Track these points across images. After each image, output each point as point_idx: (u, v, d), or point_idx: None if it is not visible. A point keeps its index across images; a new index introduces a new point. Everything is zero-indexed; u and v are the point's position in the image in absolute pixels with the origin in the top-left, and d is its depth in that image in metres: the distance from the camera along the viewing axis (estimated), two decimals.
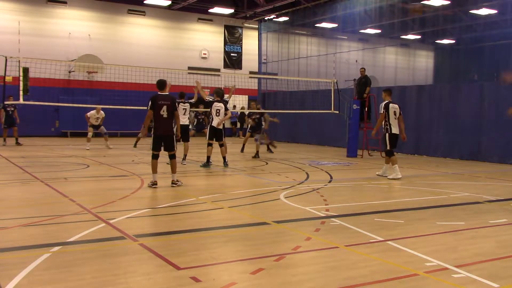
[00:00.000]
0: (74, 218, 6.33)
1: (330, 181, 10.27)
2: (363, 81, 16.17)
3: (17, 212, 6.82)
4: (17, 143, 17.93)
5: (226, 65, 29.77)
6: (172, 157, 9.10)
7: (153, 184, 8.86)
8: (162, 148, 9.09)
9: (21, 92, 13.30)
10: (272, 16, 27.49)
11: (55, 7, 25.07)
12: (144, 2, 25.85)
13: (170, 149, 9.03)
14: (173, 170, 9.07)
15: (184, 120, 12.31)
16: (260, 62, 27.33)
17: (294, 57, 26.15)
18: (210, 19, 29.18)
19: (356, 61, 28.02)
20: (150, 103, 8.83)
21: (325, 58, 25.53)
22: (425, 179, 10.94)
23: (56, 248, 4.92)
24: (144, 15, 27.32)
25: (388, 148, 10.63)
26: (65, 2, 25.23)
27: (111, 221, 6.10)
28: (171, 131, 8.97)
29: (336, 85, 17.74)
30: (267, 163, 13.62)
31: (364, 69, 16.52)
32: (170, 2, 25.91)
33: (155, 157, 9.05)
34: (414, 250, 5.06)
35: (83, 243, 5.14)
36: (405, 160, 15.60)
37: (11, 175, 10.35)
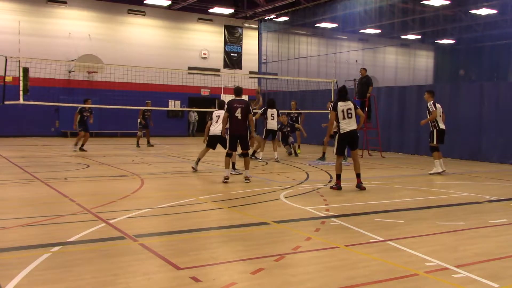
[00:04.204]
0: (74, 218, 6.33)
1: (330, 181, 10.27)
2: (364, 81, 16.16)
3: (17, 212, 6.83)
4: None
5: (226, 65, 29.78)
6: (245, 155, 9.93)
7: (225, 178, 9.60)
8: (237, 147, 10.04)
9: (21, 92, 13.30)
10: (272, 16, 27.49)
11: (55, 7, 25.09)
12: (144, 2, 25.87)
13: (245, 147, 9.92)
14: (246, 167, 9.85)
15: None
16: (260, 62, 27.32)
17: (294, 57, 26.15)
18: (210, 19, 29.19)
19: (356, 61, 28.05)
20: (226, 107, 9.83)
21: (325, 58, 25.55)
22: (425, 179, 10.94)
23: (56, 248, 4.92)
24: (144, 15, 27.34)
25: (434, 143, 11.58)
26: (65, 2, 25.24)
27: (111, 221, 6.10)
28: (245, 131, 9.76)
29: (336, 85, 17.75)
30: (267, 163, 13.62)
31: (365, 69, 16.49)
32: (170, 2, 25.92)
33: (228, 155, 9.87)
34: (414, 250, 5.06)
35: (83, 243, 5.14)
36: (405, 160, 15.61)
37: (11, 175, 10.35)
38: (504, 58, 23.92)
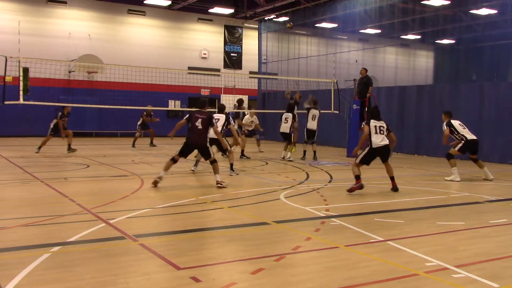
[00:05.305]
0: (74, 218, 6.33)
1: (330, 181, 10.27)
2: (364, 81, 16.15)
3: (17, 212, 6.83)
4: None
5: (226, 65, 29.76)
6: (212, 162, 9.47)
7: (158, 177, 9.04)
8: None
9: (21, 92, 13.30)
10: (272, 16, 27.48)
11: (55, 7, 25.07)
12: (144, 2, 25.85)
13: (206, 157, 9.58)
14: (215, 172, 9.37)
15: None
16: (260, 62, 27.33)
17: (294, 57, 26.15)
18: (210, 19, 29.18)
19: (356, 61, 28.04)
20: (187, 115, 9.62)
21: (325, 58, 25.56)
22: (425, 179, 10.94)
23: (56, 248, 4.92)
24: (144, 15, 27.32)
25: (455, 149, 11.06)
26: (65, 2, 25.23)
27: (111, 221, 6.10)
28: (204, 141, 9.46)
29: (336, 85, 17.75)
30: (267, 163, 13.62)
31: (366, 69, 16.49)
32: (170, 2, 25.91)
33: (173, 159, 9.40)
34: (414, 250, 5.06)
35: (83, 243, 5.14)
36: (405, 160, 15.61)
37: (11, 175, 10.35)
38: (504, 58, 23.92)
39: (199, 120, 9.42)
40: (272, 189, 8.92)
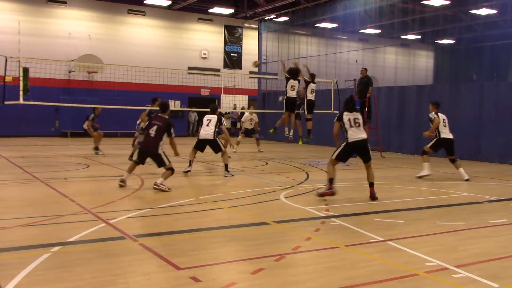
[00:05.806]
0: (74, 218, 6.33)
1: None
2: (364, 81, 16.15)
3: (17, 212, 6.82)
4: None
5: (226, 65, 29.77)
6: (167, 169, 8.83)
7: (121, 181, 8.80)
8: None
9: (21, 92, 13.30)
10: (272, 16, 27.49)
11: (55, 7, 25.09)
12: (144, 2, 25.86)
13: (159, 164, 8.93)
14: (163, 176, 8.74)
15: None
16: (260, 62, 27.31)
17: (294, 57, 26.14)
18: (210, 19, 29.19)
19: (356, 61, 28.05)
20: (149, 118, 9.17)
21: (325, 58, 25.54)
22: (425, 179, 10.93)
23: (56, 248, 4.92)
24: (144, 15, 27.33)
25: (428, 146, 11.12)
26: (65, 2, 25.24)
27: (111, 221, 6.10)
28: (155, 149, 8.83)
29: (336, 85, 17.76)
30: (267, 163, 13.62)
31: (366, 69, 16.47)
32: (170, 2, 25.92)
33: (134, 162, 9.08)
34: (414, 250, 5.06)
35: (83, 243, 5.14)
36: (405, 160, 15.61)
37: (11, 175, 10.35)
38: (504, 58, 23.94)
39: (154, 127, 8.83)
40: (272, 189, 8.92)
